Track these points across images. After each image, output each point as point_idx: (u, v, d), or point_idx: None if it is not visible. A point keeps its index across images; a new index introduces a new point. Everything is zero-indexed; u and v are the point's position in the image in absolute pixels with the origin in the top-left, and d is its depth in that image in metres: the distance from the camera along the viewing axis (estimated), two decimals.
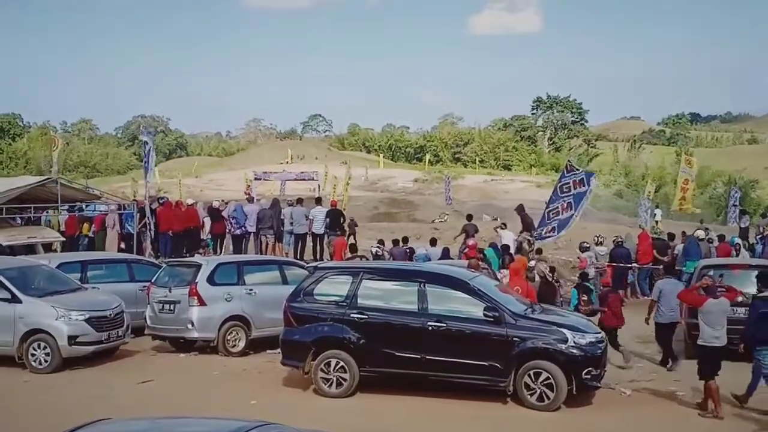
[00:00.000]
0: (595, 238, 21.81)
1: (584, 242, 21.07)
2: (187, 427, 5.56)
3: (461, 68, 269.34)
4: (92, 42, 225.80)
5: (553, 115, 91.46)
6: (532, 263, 16.38)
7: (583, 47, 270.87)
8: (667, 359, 13.28)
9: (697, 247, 19.97)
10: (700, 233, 21.62)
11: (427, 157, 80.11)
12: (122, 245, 21.18)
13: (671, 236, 23.21)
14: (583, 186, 18.59)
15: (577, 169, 19.73)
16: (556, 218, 18.97)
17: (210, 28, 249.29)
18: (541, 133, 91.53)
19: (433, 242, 21.19)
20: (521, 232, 21.53)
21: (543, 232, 19.40)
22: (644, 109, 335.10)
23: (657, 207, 37.19)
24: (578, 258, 20.97)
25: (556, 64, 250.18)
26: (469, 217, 24.05)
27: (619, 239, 21.47)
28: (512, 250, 19.69)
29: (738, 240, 22.20)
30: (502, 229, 21.85)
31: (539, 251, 19.38)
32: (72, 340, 13.11)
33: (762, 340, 10.54)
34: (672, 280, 13.92)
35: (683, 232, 22.97)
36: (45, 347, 13.05)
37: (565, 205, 18.77)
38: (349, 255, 18.89)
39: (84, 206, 23.23)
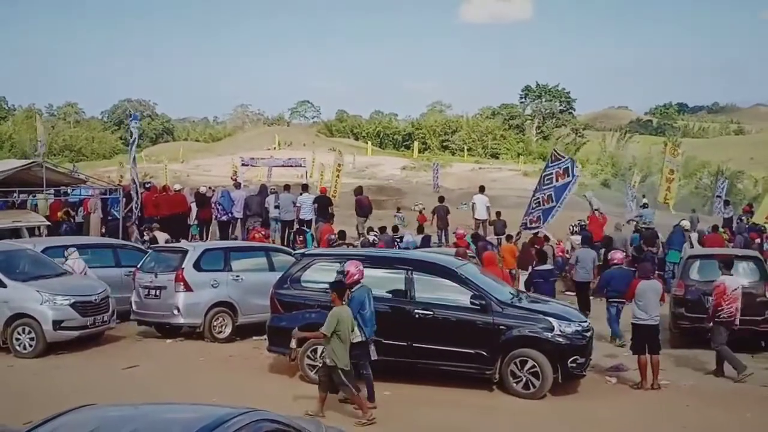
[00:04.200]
0: (570, 228, 21.71)
1: (572, 225, 21.54)
2: (172, 413, 5.52)
3: (450, 56, 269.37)
4: (79, 25, 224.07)
5: (542, 104, 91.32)
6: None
7: (572, 36, 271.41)
8: (586, 312, 14.67)
9: (681, 236, 20.01)
10: (686, 223, 21.66)
11: (416, 144, 79.97)
12: (103, 230, 20.97)
13: None
14: (567, 176, 18.55)
15: (563, 157, 19.55)
16: (539, 208, 18.91)
17: (198, 13, 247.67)
18: (529, 121, 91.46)
19: (420, 230, 21.23)
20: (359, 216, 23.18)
21: (528, 222, 19.34)
22: (632, 98, 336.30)
23: (644, 197, 37.34)
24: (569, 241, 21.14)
25: (546, 53, 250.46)
26: (441, 199, 25.87)
27: (582, 222, 22.22)
28: (485, 215, 23.65)
29: (721, 230, 22.28)
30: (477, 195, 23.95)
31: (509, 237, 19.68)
32: (57, 324, 13.03)
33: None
34: (587, 249, 17.18)
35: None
36: (29, 332, 12.96)
37: (546, 197, 18.75)
38: (338, 242, 18.84)
39: (69, 190, 23.00)
